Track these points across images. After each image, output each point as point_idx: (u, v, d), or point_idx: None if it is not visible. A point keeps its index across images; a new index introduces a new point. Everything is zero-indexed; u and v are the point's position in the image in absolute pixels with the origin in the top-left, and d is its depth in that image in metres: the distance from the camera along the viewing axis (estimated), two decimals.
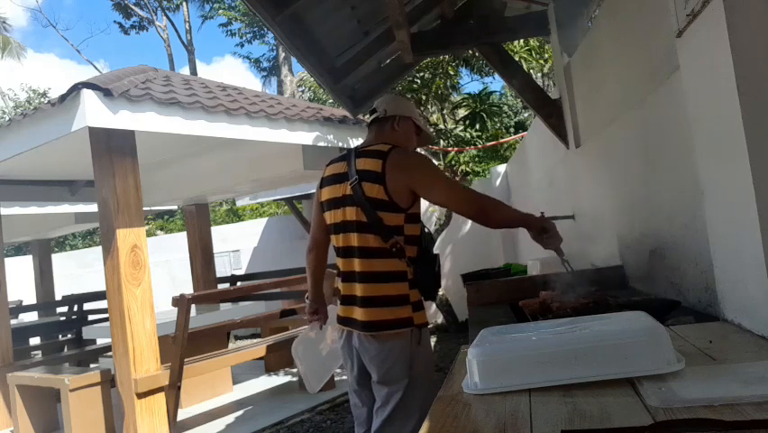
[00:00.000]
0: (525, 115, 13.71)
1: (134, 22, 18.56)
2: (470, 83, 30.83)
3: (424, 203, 2.12)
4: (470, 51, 7.17)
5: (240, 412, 4.91)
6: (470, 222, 8.36)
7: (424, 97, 7.66)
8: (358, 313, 2.03)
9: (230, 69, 45.97)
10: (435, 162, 8.13)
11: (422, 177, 2.01)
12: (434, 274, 2.08)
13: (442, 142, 8.11)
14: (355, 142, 5.38)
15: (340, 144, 5.37)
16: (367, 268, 2.03)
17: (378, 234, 2.00)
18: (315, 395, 5.04)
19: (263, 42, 17.94)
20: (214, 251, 7.52)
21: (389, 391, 2.02)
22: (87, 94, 3.57)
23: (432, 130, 8.07)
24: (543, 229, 2.04)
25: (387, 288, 2.00)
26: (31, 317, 8.49)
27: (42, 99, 19.71)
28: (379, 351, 2.00)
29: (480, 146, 8.88)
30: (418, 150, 2.61)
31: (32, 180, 6.16)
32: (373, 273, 2.02)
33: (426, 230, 2.15)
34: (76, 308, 7.72)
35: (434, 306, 7.78)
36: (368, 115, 2.32)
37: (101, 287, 4.41)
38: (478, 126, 8.27)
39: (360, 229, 2.03)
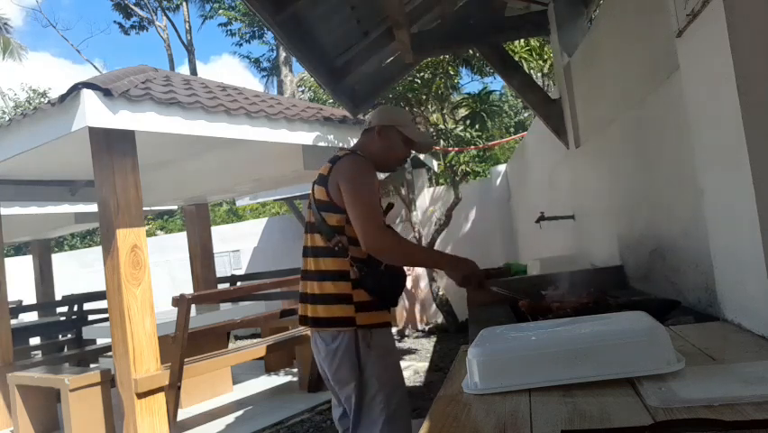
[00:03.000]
0: (525, 114, 13.72)
1: (134, 22, 18.56)
2: (470, 83, 30.85)
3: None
4: (470, 51, 7.17)
5: (240, 412, 4.91)
6: (470, 222, 8.39)
7: (424, 97, 7.66)
8: (309, 309, 2.09)
9: (227, 69, 46.03)
10: (436, 163, 8.16)
11: (345, 190, 2.02)
12: (379, 274, 2.03)
13: (442, 142, 8.10)
14: (355, 141, 5.38)
15: (340, 144, 5.37)
16: (315, 267, 2.09)
17: (322, 234, 2.06)
18: (315, 395, 5.05)
19: (263, 42, 17.95)
20: (214, 251, 7.52)
21: (342, 393, 2.07)
22: (87, 94, 3.57)
23: (432, 130, 8.08)
24: (472, 279, 2.07)
25: (329, 286, 2.04)
26: (31, 317, 8.49)
27: (42, 99, 19.71)
28: (327, 352, 2.04)
29: (480, 146, 8.87)
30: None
31: (32, 180, 6.16)
32: (320, 272, 2.07)
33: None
34: (76, 308, 7.72)
35: (434, 306, 7.79)
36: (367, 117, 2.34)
37: (101, 287, 4.41)
38: (478, 126, 8.27)
39: (311, 230, 2.13)
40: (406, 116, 2.37)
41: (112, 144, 3.93)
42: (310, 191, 2.17)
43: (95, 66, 27.49)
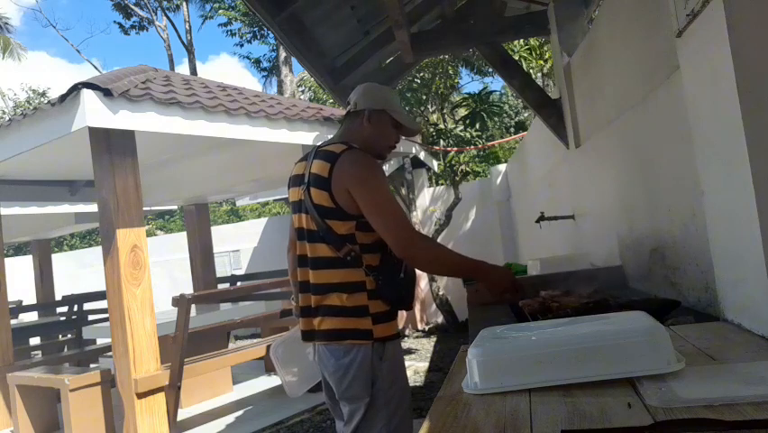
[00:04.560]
0: (525, 114, 13.72)
1: (134, 22, 18.58)
2: (470, 83, 30.85)
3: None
4: (471, 51, 7.17)
5: (240, 412, 4.91)
6: (470, 221, 8.39)
7: (424, 97, 7.66)
8: (316, 322, 1.91)
9: (225, 68, 46.12)
10: (436, 163, 8.16)
11: (358, 190, 1.82)
12: (398, 282, 1.88)
13: (442, 141, 8.11)
14: None
15: None
16: (320, 280, 1.88)
17: (329, 244, 1.86)
18: (316, 395, 5.03)
19: (263, 42, 17.95)
20: (214, 251, 7.52)
21: (350, 409, 1.88)
22: (87, 94, 3.57)
23: (432, 130, 8.08)
24: (509, 288, 1.88)
25: (343, 298, 1.85)
26: (31, 317, 8.49)
27: (42, 99, 19.72)
28: (336, 367, 1.86)
29: (479, 146, 8.88)
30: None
31: (32, 180, 6.16)
32: (327, 285, 1.87)
33: None
34: (76, 308, 7.72)
35: (433, 305, 7.79)
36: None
37: (101, 287, 4.41)
38: (478, 126, 8.28)
39: (311, 239, 1.91)
40: (395, 97, 2.14)
41: (112, 144, 3.93)
42: (301, 192, 1.94)
43: (94, 65, 27.54)
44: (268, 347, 5.09)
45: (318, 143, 2.05)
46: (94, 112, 3.58)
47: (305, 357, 2.17)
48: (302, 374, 2.26)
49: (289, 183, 2.10)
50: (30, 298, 9.02)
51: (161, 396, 4.02)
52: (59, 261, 10.94)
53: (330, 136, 4.98)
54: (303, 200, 1.93)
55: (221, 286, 7.41)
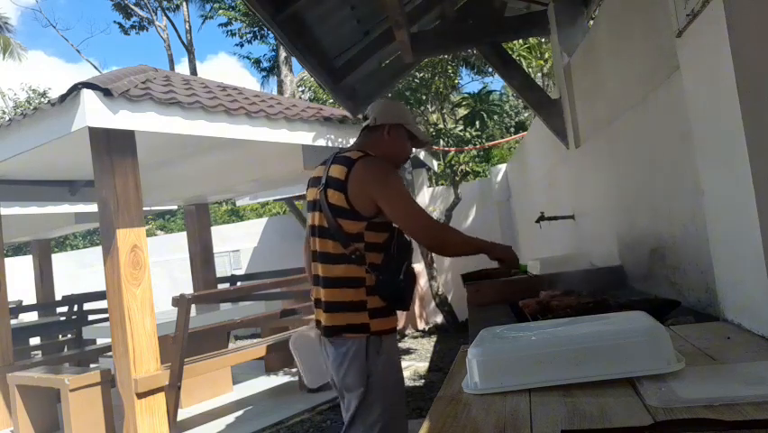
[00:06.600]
0: (525, 114, 13.72)
1: (134, 22, 18.56)
2: (470, 83, 30.80)
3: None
4: (470, 51, 7.17)
5: (240, 412, 4.92)
6: (469, 220, 8.39)
7: (423, 97, 7.66)
8: (322, 317, 2.07)
9: (224, 68, 46.10)
10: (436, 163, 8.15)
11: (382, 194, 1.99)
12: (397, 283, 2.02)
13: (441, 141, 8.10)
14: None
15: (340, 144, 5.38)
16: (327, 273, 2.05)
17: (337, 240, 2.01)
18: (316, 395, 5.04)
19: (263, 42, 17.93)
20: (214, 251, 7.52)
21: (348, 398, 2.03)
22: (87, 94, 3.58)
23: (431, 130, 8.08)
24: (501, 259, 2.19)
25: (343, 293, 2.01)
26: (31, 317, 8.49)
27: (42, 99, 19.73)
28: (335, 357, 2.03)
29: (479, 146, 8.87)
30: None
31: (32, 180, 6.16)
32: (331, 279, 2.04)
33: (409, 239, 2.11)
34: (76, 308, 7.72)
35: (432, 304, 7.79)
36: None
37: (101, 287, 4.42)
38: (477, 126, 8.27)
39: (321, 234, 2.07)
40: (409, 112, 2.34)
41: (112, 144, 3.93)
42: (318, 192, 2.09)
43: (93, 65, 27.56)
44: (268, 347, 5.09)
45: (337, 150, 2.21)
46: (94, 112, 3.58)
47: (321, 352, 2.30)
48: (320, 368, 2.39)
49: (308, 185, 2.27)
50: (30, 298, 9.02)
51: (161, 396, 4.03)
52: (59, 261, 10.94)
53: (330, 136, 5.02)
54: (318, 200, 2.09)
55: (221, 286, 7.41)
